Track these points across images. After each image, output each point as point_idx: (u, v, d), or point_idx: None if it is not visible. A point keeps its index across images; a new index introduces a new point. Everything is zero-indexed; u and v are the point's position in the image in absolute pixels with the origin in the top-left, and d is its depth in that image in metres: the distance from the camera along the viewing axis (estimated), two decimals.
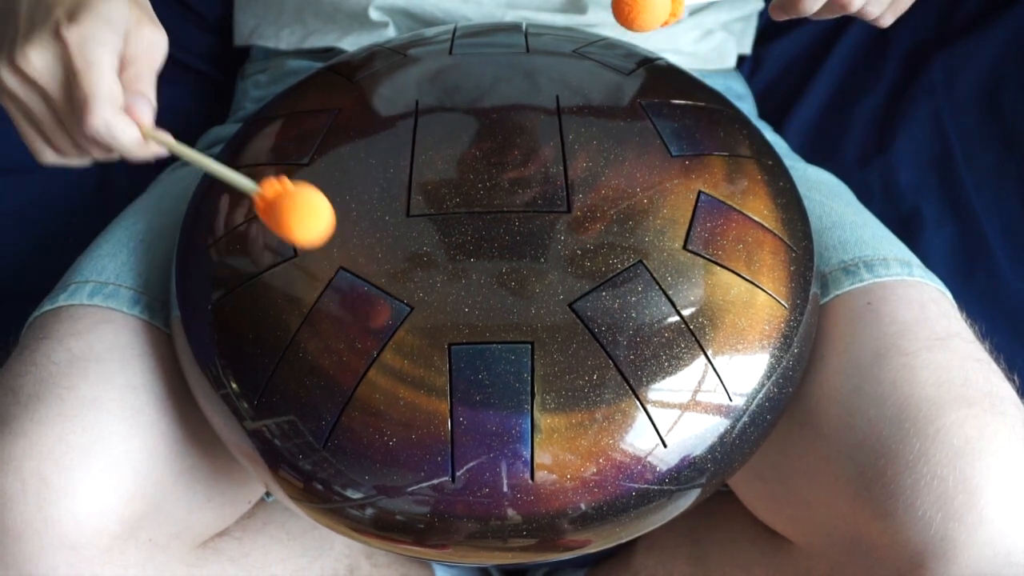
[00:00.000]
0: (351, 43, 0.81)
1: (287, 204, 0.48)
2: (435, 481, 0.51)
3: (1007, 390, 0.57)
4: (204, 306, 0.57)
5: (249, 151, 0.63)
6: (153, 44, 0.55)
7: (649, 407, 0.52)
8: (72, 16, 0.52)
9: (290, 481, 0.54)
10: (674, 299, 0.54)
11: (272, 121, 0.65)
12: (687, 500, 0.56)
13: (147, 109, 0.53)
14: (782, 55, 1.02)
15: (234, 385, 0.55)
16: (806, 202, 0.63)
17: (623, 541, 0.57)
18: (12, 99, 0.53)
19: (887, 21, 0.63)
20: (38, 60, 0.51)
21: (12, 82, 0.52)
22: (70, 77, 0.51)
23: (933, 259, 0.86)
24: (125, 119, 0.52)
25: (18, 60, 0.52)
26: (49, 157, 0.56)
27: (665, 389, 0.52)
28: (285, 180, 0.49)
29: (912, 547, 0.53)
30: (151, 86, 0.55)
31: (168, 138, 0.53)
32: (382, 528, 0.54)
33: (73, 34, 0.51)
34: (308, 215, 0.48)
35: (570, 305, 0.53)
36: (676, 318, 0.53)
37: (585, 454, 0.51)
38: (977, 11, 0.99)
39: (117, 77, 0.52)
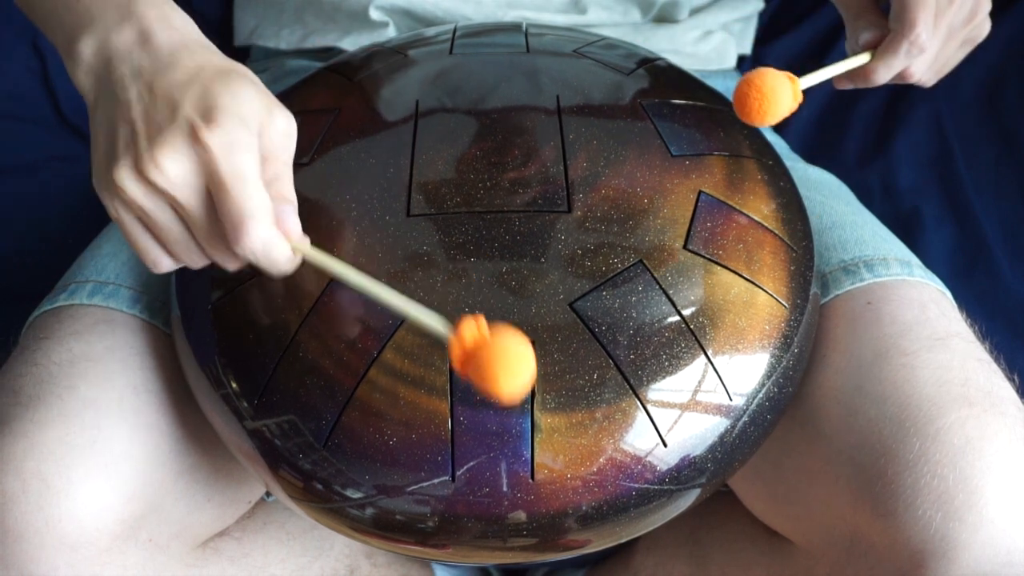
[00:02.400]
0: (351, 43, 0.81)
1: (489, 355, 0.43)
2: (435, 481, 0.51)
3: (1007, 390, 0.57)
4: (204, 306, 0.57)
5: None
6: (287, 135, 0.49)
7: (649, 407, 0.52)
8: (208, 116, 0.45)
9: (290, 481, 0.54)
10: (674, 299, 0.54)
11: None
12: (687, 500, 0.56)
13: (295, 218, 0.48)
14: (782, 55, 1.02)
15: (234, 385, 0.55)
16: (806, 202, 0.63)
17: (623, 541, 0.57)
18: (133, 209, 0.47)
19: (931, 84, 0.64)
20: (174, 169, 0.45)
21: (137, 193, 0.46)
22: (215, 191, 0.45)
23: (933, 259, 0.86)
24: (280, 237, 0.47)
25: (147, 168, 0.45)
26: (166, 266, 0.50)
27: (665, 389, 0.52)
28: (482, 321, 0.44)
29: (912, 547, 0.53)
30: (291, 186, 0.49)
31: (317, 254, 0.48)
32: (382, 528, 0.54)
33: (216, 140, 0.45)
34: (514, 367, 0.43)
35: (570, 305, 0.53)
36: (676, 318, 0.53)
37: (585, 454, 0.51)
38: None
39: (263, 186, 0.46)
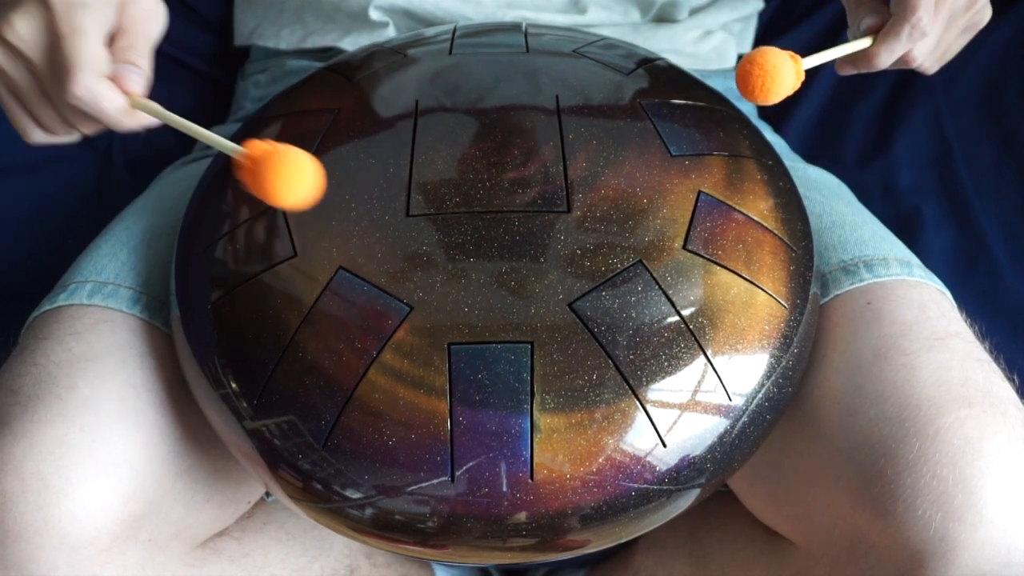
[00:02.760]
0: (351, 43, 0.81)
1: (273, 164, 0.47)
2: (434, 481, 0.51)
3: (1007, 390, 0.57)
4: (204, 306, 0.57)
5: None
6: (150, 14, 0.54)
7: (649, 407, 0.52)
8: None
9: (290, 481, 0.54)
10: (674, 299, 0.54)
11: (272, 121, 0.65)
12: (687, 500, 0.56)
13: (137, 78, 0.52)
14: None
15: (233, 385, 0.55)
16: (806, 202, 0.63)
17: (623, 541, 0.57)
18: (2, 77, 0.52)
19: (934, 71, 0.64)
20: (22, 27, 0.50)
21: None
22: (52, 44, 0.50)
23: (933, 259, 0.86)
24: (110, 86, 0.51)
25: (2, 28, 0.50)
26: (37, 136, 0.54)
27: (665, 389, 0.52)
28: (277, 144, 0.48)
29: (912, 547, 0.53)
30: (144, 56, 0.53)
31: (156, 107, 0.52)
32: (382, 528, 0.54)
33: (59, 1, 0.50)
34: (294, 175, 0.47)
35: (570, 305, 0.53)
36: (676, 318, 0.53)
37: (585, 454, 0.51)
38: None
39: (105, 44, 0.51)
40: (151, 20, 0.54)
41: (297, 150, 0.48)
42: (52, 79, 0.51)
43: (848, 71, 0.62)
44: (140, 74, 0.52)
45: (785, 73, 0.55)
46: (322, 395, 0.52)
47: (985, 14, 0.62)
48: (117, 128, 0.53)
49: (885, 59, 0.60)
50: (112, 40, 0.52)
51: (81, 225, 0.78)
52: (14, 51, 0.51)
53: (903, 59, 0.60)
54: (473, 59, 0.66)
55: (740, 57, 0.91)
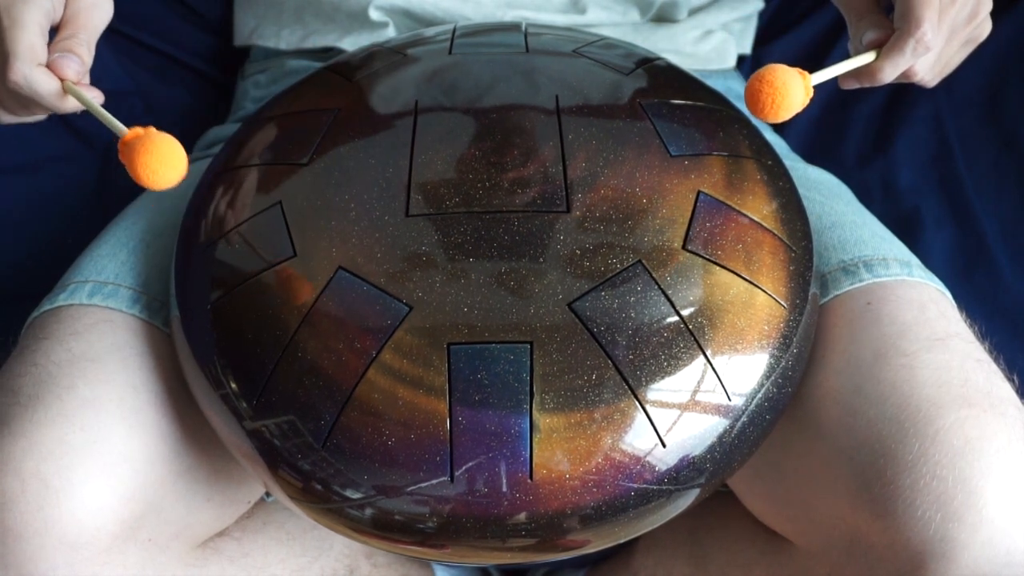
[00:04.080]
0: (351, 43, 0.81)
1: (140, 147, 0.52)
2: (434, 481, 0.51)
3: (1007, 390, 0.57)
4: (203, 306, 0.57)
5: (248, 151, 0.63)
6: (93, 6, 0.59)
7: (648, 407, 0.52)
8: None
9: (289, 481, 0.54)
10: (673, 299, 0.54)
11: (272, 121, 0.65)
12: (686, 500, 0.56)
13: (71, 65, 0.57)
14: (782, 55, 1.02)
15: (233, 385, 0.55)
16: (806, 202, 0.63)
17: (622, 541, 0.57)
18: None
19: (933, 84, 0.64)
20: None
21: None
22: None
23: (933, 259, 0.86)
24: (45, 73, 0.56)
25: None
26: (3, 117, 0.61)
27: (664, 389, 0.52)
28: (151, 129, 0.53)
29: (912, 547, 0.53)
30: (83, 46, 0.58)
31: (82, 94, 0.57)
32: (381, 528, 0.54)
33: None
34: (159, 159, 0.52)
35: (569, 305, 0.53)
36: (675, 318, 0.53)
37: (584, 454, 0.51)
38: None
39: (43, 35, 0.57)
40: (94, 11, 0.59)
41: (167, 137, 0.52)
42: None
43: (851, 85, 0.62)
44: (77, 61, 0.57)
45: (794, 90, 0.54)
46: (322, 395, 0.52)
47: (985, 28, 0.62)
48: (55, 110, 0.58)
49: (889, 74, 0.60)
50: (57, 30, 0.59)
51: (81, 225, 0.78)
52: None
53: (905, 73, 0.60)
54: (473, 59, 0.66)
55: (740, 57, 0.91)
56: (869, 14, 0.61)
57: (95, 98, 0.58)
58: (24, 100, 0.58)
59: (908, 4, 0.57)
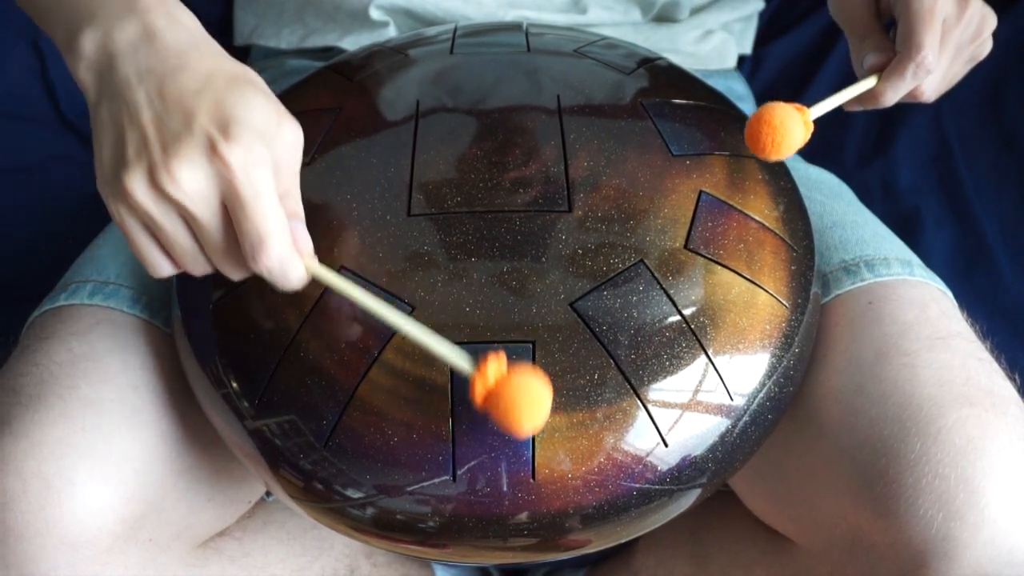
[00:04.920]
0: (351, 43, 0.81)
1: (509, 394, 0.45)
2: (436, 480, 0.51)
3: (1008, 390, 0.57)
4: (205, 305, 0.57)
5: None
6: (295, 147, 0.48)
7: (650, 406, 0.52)
8: (225, 130, 0.44)
9: (291, 481, 0.54)
10: (675, 298, 0.54)
11: None
12: (688, 500, 0.56)
13: (307, 235, 0.48)
14: (782, 55, 1.02)
15: (235, 384, 0.55)
16: (807, 202, 0.63)
17: (623, 541, 0.57)
18: (141, 216, 0.46)
19: (933, 99, 0.63)
20: (191, 183, 0.44)
21: (148, 202, 0.45)
22: (234, 208, 0.45)
23: (933, 259, 0.86)
24: (295, 255, 0.47)
25: (161, 179, 0.44)
26: (166, 271, 0.49)
27: (666, 388, 0.52)
28: (503, 357, 0.46)
29: (914, 546, 0.53)
30: (299, 202, 0.49)
31: (329, 275, 0.49)
32: (382, 528, 0.54)
33: (235, 155, 0.44)
34: (532, 406, 0.45)
35: (571, 304, 0.53)
36: (677, 317, 0.53)
37: (586, 453, 0.51)
38: None
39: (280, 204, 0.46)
40: (298, 152, 0.48)
41: (531, 375, 0.45)
42: (224, 240, 0.46)
43: (855, 108, 0.62)
44: (303, 224, 0.48)
45: (794, 128, 0.55)
46: (323, 395, 0.52)
47: (987, 47, 0.62)
48: (285, 291, 0.48)
49: (891, 98, 0.60)
50: None
51: (81, 225, 0.78)
52: (176, 207, 0.45)
53: (910, 94, 0.61)
54: (474, 59, 0.66)
55: (740, 57, 0.91)
56: (871, 35, 0.61)
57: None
58: (237, 268, 0.48)
59: (910, 27, 0.57)
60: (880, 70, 0.60)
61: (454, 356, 0.47)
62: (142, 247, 0.48)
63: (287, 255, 0.46)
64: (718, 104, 0.65)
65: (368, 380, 0.52)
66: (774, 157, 0.55)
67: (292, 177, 0.48)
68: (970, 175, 0.94)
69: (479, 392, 0.46)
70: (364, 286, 0.54)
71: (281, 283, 0.47)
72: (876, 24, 0.61)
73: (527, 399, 0.45)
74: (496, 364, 0.46)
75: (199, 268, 0.49)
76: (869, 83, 0.60)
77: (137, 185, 0.45)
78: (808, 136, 0.55)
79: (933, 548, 0.52)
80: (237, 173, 0.44)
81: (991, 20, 0.61)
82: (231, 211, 0.45)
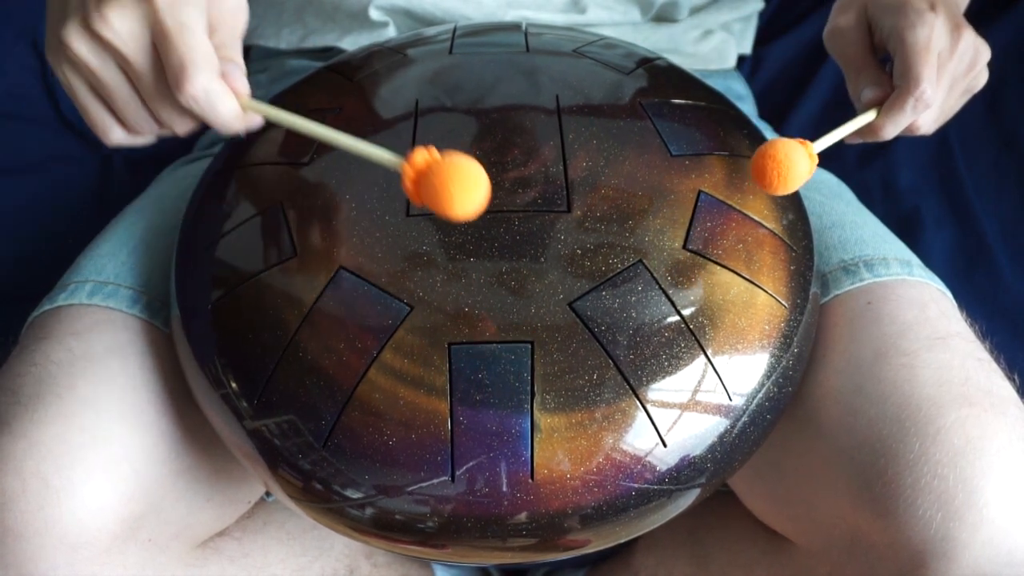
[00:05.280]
0: (351, 43, 0.81)
1: (441, 174, 0.45)
2: (435, 481, 0.51)
3: (1008, 390, 0.57)
4: (204, 305, 0.57)
5: (249, 150, 0.63)
6: (236, 8, 0.51)
7: (649, 407, 0.52)
8: None
9: (290, 481, 0.54)
10: (674, 299, 0.54)
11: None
12: (687, 500, 0.56)
13: (242, 77, 0.50)
14: (782, 55, 1.02)
15: (234, 385, 0.55)
16: (806, 202, 0.63)
17: (623, 541, 0.57)
18: (81, 69, 0.48)
19: (931, 132, 0.64)
20: (121, 23, 0.46)
21: (83, 49, 0.47)
22: (159, 41, 0.47)
23: (933, 259, 0.86)
24: (224, 87, 0.48)
25: (95, 24, 0.46)
26: (117, 136, 0.51)
27: (665, 389, 0.52)
28: (433, 150, 0.47)
29: (913, 547, 0.53)
30: (239, 53, 0.51)
31: (267, 107, 0.50)
32: (382, 528, 0.54)
33: None
34: (466, 184, 0.46)
35: (570, 305, 0.53)
36: (676, 318, 0.53)
37: (585, 454, 0.51)
38: (977, 12, 0.99)
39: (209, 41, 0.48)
40: (239, 13, 0.51)
41: (463, 157, 0.46)
42: (154, 78, 0.48)
43: (855, 141, 0.62)
44: (242, 71, 0.50)
45: (798, 163, 0.55)
46: (322, 395, 0.52)
47: (982, 78, 0.62)
48: (225, 130, 0.50)
49: (891, 131, 0.60)
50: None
51: (81, 225, 0.78)
52: (108, 47, 0.47)
53: (908, 128, 0.61)
54: (473, 59, 0.66)
55: (740, 57, 0.91)
56: (867, 69, 0.61)
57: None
58: (176, 115, 0.49)
59: (907, 62, 0.57)
60: (878, 104, 0.60)
61: (381, 153, 0.48)
62: (89, 107, 0.50)
63: (213, 87, 0.47)
64: (717, 104, 0.65)
65: (367, 380, 0.52)
66: (781, 191, 0.55)
67: (230, 34, 0.51)
68: (970, 175, 0.94)
69: (409, 177, 0.46)
70: (363, 286, 0.54)
71: (211, 116, 0.48)
72: (871, 59, 0.61)
73: (458, 177, 0.46)
74: (424, 152, 0.46)
75: (142, 121, 0.50)
76: (869, 117, 0.60)
77: (74, 33, 0.47)
78: (813, 169, 0.55)
79: (932, 548, 0.52)
80: (161, 8, 0.47)
81: (985, 52, 0.61)
82: (158, 46, 0.47)
